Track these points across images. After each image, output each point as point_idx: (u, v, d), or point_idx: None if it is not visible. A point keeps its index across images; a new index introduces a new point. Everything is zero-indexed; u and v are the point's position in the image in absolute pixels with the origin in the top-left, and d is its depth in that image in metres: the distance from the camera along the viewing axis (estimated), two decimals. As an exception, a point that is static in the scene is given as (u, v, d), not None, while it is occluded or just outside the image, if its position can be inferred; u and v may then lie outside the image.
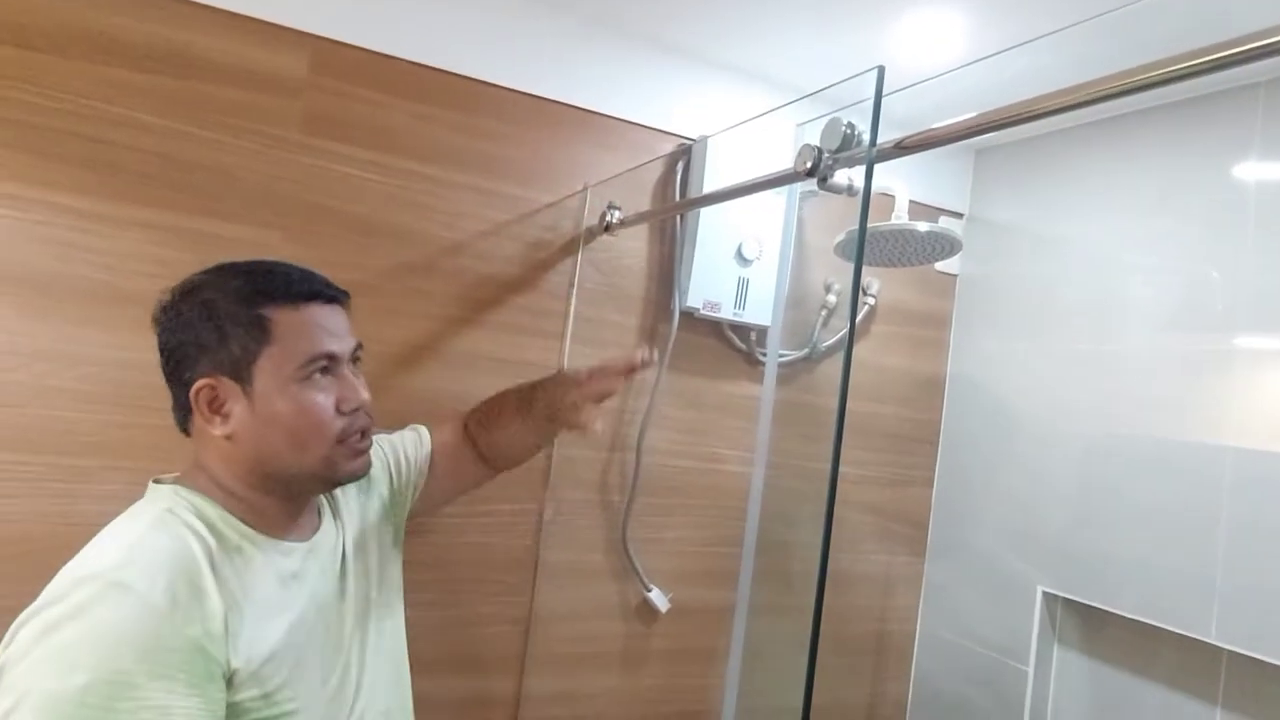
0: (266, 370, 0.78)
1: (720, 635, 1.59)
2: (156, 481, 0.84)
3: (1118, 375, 1.45)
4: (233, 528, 0.79)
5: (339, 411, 0.81)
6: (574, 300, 1.47)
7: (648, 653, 1.55)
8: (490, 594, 1.42)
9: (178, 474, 0.84)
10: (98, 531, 1.15)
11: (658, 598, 1.53)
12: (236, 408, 0.79)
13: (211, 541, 0.76)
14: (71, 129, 1.15)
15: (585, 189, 1.47)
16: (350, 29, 1.30)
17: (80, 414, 1.16)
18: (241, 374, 0.78)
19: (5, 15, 1.12)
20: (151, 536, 0.74)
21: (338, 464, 0.82)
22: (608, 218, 1.45)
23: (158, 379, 1.16)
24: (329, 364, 0.81)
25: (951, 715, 1.70)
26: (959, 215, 1.80)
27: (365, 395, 0.83)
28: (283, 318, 0.79)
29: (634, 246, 1.52)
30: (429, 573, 1.35)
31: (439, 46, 1.36)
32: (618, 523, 1.52)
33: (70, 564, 0.73)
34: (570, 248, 1.47)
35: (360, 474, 0.85)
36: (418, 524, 1.34)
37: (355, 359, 0.86)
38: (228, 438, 0.79)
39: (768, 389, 1.51)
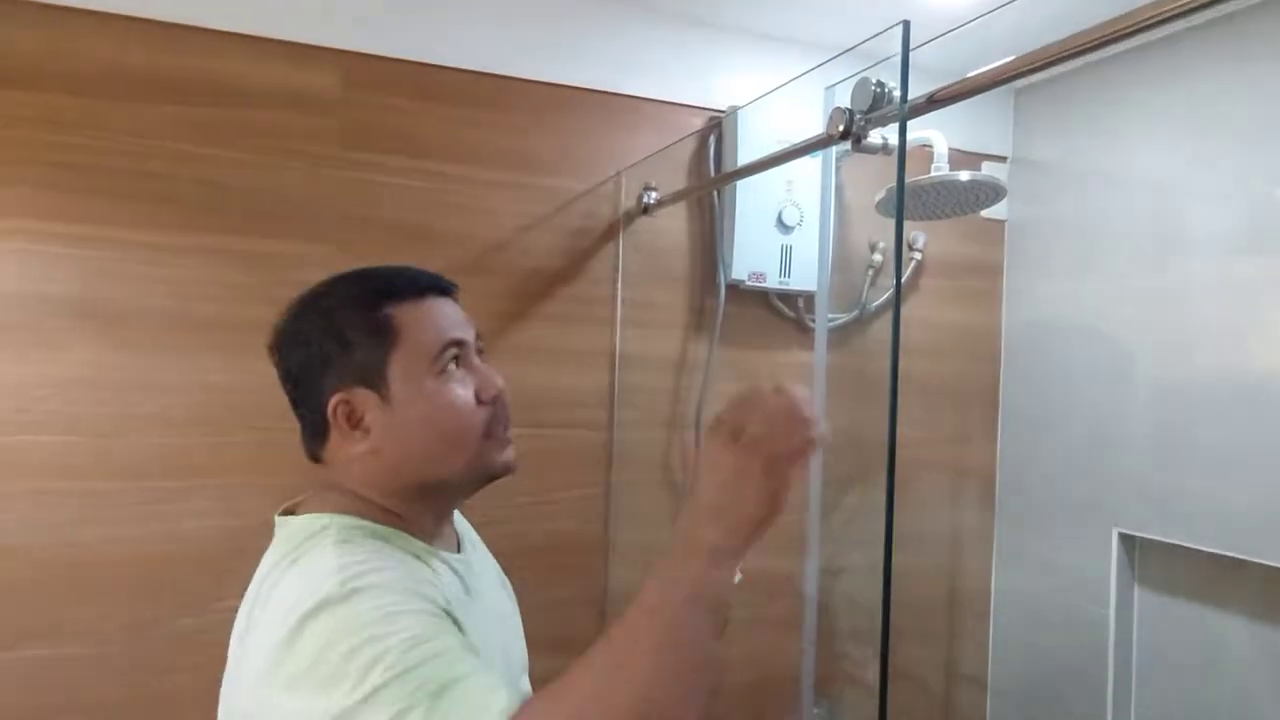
0: (399, 371, 0.73)
1: (794, 602, 1.60)
2: (286, 513, 0.76)
3: (1184, 307, 1.41)
4: (406, 542, 0.73)
5: (480, 402, 0.76)
6: (619, 285, 1.49)
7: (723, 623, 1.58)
8: (564, 577, 1.46)
9: (298, 501, 0.77)
10: (202, 546, 1.25)
11: (728, 569, 1.55)
12: (376, 417, 0.73)
13: (399, 554, 0.71)
14: (130, 167, 1.21)
15: (619, 173, 1.48)
16: (377, 41, 1.33)
17: (171, 438, 1.23)
18: (374, 380, 0.73)
19: (57, 65, 1.18)
20: (350, 553, 0.67)
21: (489, 458, 0.77)
22: (644, 199, 1.46)
23: (237, 399, 1.24)
24: (460, 353, 0.76)
25: (1034, 664, 1.69)
26: (1002, 159, 1.75)
27: (500, 382, 0.78)
28: (405, 314, 0.74)
29: (673, 225, 1.53)
30: (504, 560, 1.39)
31: (463, 48, 1.38)
32: (683, 499, 1.54)
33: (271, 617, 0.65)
34: (610, 233, 1.49)
35: (512, 467, 0.79)
36: (489, 515, 1.38)
37: (479, 350, 0.81)
38: (372, 452, 0.73)
39: (819, 354, 1.50)
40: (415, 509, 0.76)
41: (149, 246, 1.22)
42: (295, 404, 0.77)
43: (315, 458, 0.78)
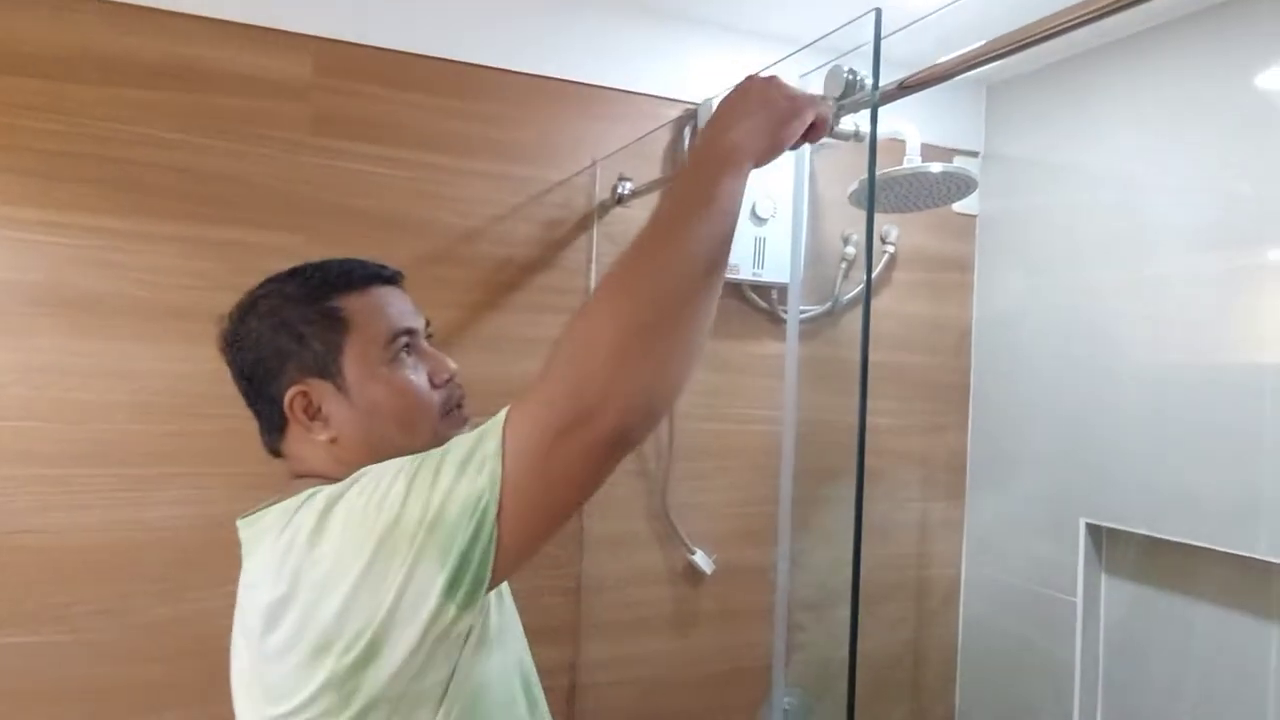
0: (353, 360, 0.74)
1: (765, 592, 1.61)
2: (246, 516, 0.75)
3: (1152, 301, 1.43)
4: None
5: (434, 385, 0.78)
6: (593, 276, 1.48)
7: (697, 614, 1.58)
8: (539, 567, 1.46)
9: (269, 503, 0.75)
10: (172, 534, 1.21)
11: (702, 560, 1.56)
12: (334, 407, 0.74)
13: None
14: (98, 152, 1.19)
15: (594, 164, 1.48)
16: (348, 27, 1.32)
17: (139, 425, 1.21)
18: (330, 371, 0.74)
19: (24, 48, 1.16)
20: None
21: (446, 437, 0.74)
22: (619, 190, 1.46)
23: (207, 387, 1.22)
24: (410, 340, 0.78)
25: (1002, 652, 1.71)
26: (974, 154, 1.77)
27: (453, 365, 0.80)
28: (354, 304, 0.76)
29: (648, 216, 1.52)
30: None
31: (436, 36, 1.37)
32: (656, 490, 1.54)
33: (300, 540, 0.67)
34: (585, 224, 1.48)
35: None
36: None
37: (428, 336, 0.83)
38: (333, 440, 0.74)
39: (791, 346, 1.51)
40: None
41: (117, 233, 1.20)
42: (250, 400, 0.78)
43: (275, 451, 0.79)
